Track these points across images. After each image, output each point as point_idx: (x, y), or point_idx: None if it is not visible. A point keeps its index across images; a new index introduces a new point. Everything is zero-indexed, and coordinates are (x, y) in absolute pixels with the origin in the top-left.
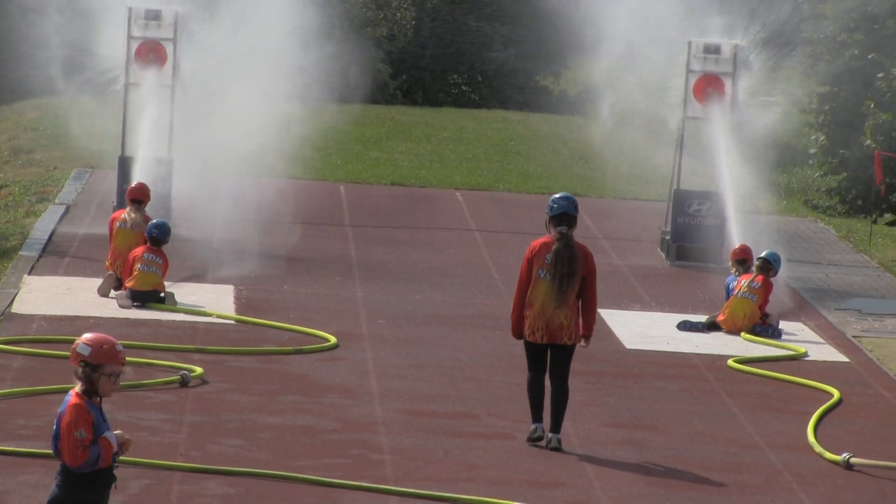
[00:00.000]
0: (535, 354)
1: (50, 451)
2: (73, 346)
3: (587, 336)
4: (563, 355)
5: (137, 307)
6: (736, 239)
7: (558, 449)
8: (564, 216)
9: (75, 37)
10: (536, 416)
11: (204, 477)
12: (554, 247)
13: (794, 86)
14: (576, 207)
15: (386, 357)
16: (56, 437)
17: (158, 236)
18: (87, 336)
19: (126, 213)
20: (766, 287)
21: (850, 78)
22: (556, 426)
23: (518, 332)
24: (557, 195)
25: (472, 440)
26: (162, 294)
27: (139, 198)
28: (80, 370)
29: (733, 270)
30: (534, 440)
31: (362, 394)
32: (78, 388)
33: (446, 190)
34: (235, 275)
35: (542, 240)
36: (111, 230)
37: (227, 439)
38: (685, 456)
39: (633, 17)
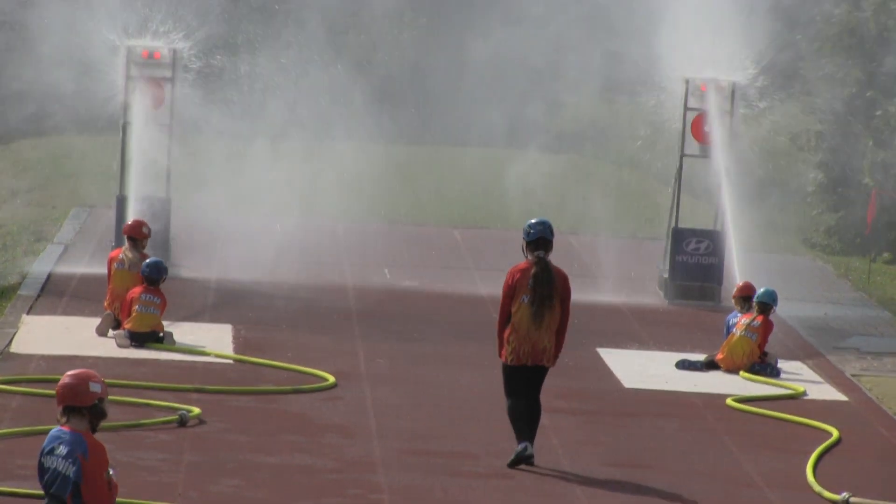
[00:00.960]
0: (519, 379)
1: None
2: (74, 388)
3: (555, 357)
4: (541, 376)
5: (136, 347)
6: (737, 276)
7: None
8: (541, 241)
9: (74, 75)
10: (524, 436)
11: None
12: (532, 271)
13: (793, 123)
14: (551, 232)
15: (384, 396)
16: (64, 479)
17: (153, 275)
18: (75, 375)
19: (123, 253)
20: (767, 327)
21: (848, 116)
22: (531, 438)
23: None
24: (534, 220)
25: (471, 479)
26: (161, 334)
27: (134, 235)
28: (91, 408)
29: (737, 307)
30: (527, 458)
31: (361, 433)
32: (82, 425)
33: (444, 227)
34: (234, 314)
35: (520, 266)
36: (109, 270)
37: (226, 479)
38: (684, 495)
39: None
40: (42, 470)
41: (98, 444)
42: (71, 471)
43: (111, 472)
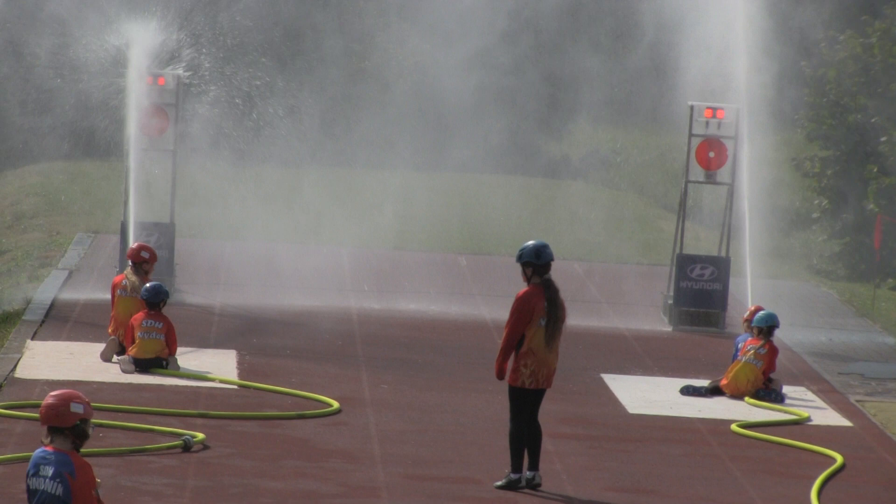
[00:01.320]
0: (531, 403)
1: None
2: (56, 408)
3: None
4: (542, 397)
5: (140, 372)
6: (749, 301)
7: (540, 485)
8: (549, 265)
9: (79, 102)
10: (520, 465)
11: None
12: (547, 294)
13: (797, 150)
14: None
15: (388, 421)
16: (54, 500)
17: (151, 299)
18: (58, 395)
19: (126, 278)
20: (773, 353)
21: (852, 142)
22: (537, 464)
23: (503, 374)
24: (538, 243)
25: None
26: (165, 361)
27: (134, 260)
28: (73, 429)
29: (746, 330)
30: (534, 485)
31: (364, 458)
32: (66, 445)
33: (449, 254)
34: (238, 340)
35: (529, 290)
36: (113, 296)
37: None
38: None
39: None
40: (29, 493)
41: (84, 462)
42: (59, 490)
43: (98, 492)
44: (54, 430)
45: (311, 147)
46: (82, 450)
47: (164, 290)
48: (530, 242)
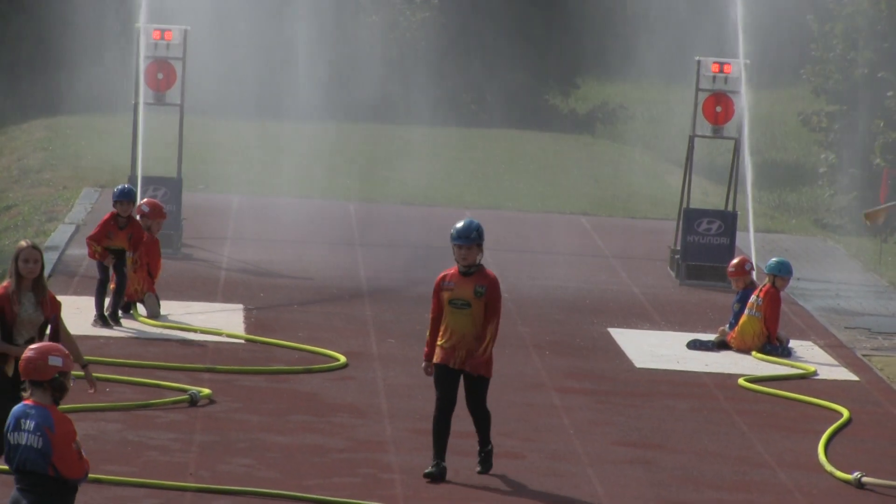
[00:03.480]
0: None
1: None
2: (34, 362)
3: None
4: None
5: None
6: (754, 256)
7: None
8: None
9: (87, 56)
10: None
11: (214, 497)
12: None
13: (804, 105)
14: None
15: (395, 376)
16: (37, 454)
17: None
18: (36, 349)
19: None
20: (770, 301)
21: (859, 96)
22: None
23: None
24: (471, 222)
25: None
26: (141, 299)
27: (134, 213)
28: (51, 382)
29: (736, 286)
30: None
31: (372, 413)
32: (45, 399)
33: (455, 209)
34: (245, 294)
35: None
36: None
37: (237, 458)
38: (695, 475)
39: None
40: (10, 448)
41: (63, 416)
42: (40, 444)
43: (78, 444)
44: (34, 384)
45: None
46: (89, 404)
47: (130, 188)
48: (471, 220)
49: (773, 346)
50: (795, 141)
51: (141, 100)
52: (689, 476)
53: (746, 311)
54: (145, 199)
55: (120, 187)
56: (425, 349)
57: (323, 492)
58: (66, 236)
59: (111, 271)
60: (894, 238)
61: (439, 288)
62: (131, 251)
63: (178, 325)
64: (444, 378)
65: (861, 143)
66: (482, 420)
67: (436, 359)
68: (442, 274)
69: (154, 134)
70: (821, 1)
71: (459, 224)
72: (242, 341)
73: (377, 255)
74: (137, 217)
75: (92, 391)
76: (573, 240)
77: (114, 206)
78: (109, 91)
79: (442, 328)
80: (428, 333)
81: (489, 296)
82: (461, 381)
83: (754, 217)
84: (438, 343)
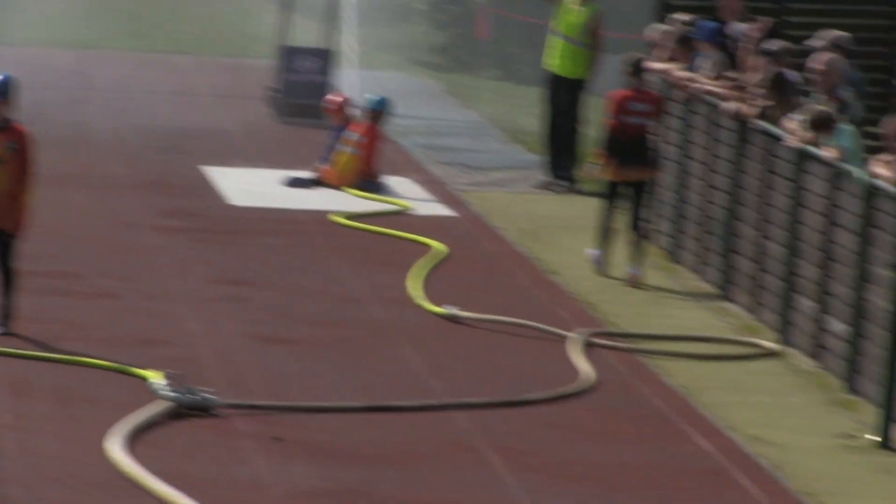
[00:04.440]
0: None
1: None
2: None
3: None
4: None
5: None
6: (360, 93)
7: None
8: None
9: None
10: None
11: None
12: None
13: None
14: None
15: None
16: None
17: None
18: None
19: None
20: (371, 138)
21: None
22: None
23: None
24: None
25: (78, 300)
26: None
27: None
28: None
29: (334, 122)
30: None
31: None
32: None
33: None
34: None
35: None
36: None
37: None
38: (290, 312)
39: None
40: None
41: None
42: None
43: None
44: None
45: None
46: None
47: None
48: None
49: (374, 182)
50: None
51: None
52: (284, 312)
53: (347, 148)
54: None
55: None
56: None
57: None
58: None
59: None
60: (488, 73)
61: None
62: None
63: None
64: None
65: None
66: (16, 277)
67: None
68: None
69: None
70: None
71: None
72: None
73: None
74: None
75: None
76: (173, 79)
77: None
78: None
79: None
80: None
81: (22, 151)
82: None
83: (350, 54)
84: None
